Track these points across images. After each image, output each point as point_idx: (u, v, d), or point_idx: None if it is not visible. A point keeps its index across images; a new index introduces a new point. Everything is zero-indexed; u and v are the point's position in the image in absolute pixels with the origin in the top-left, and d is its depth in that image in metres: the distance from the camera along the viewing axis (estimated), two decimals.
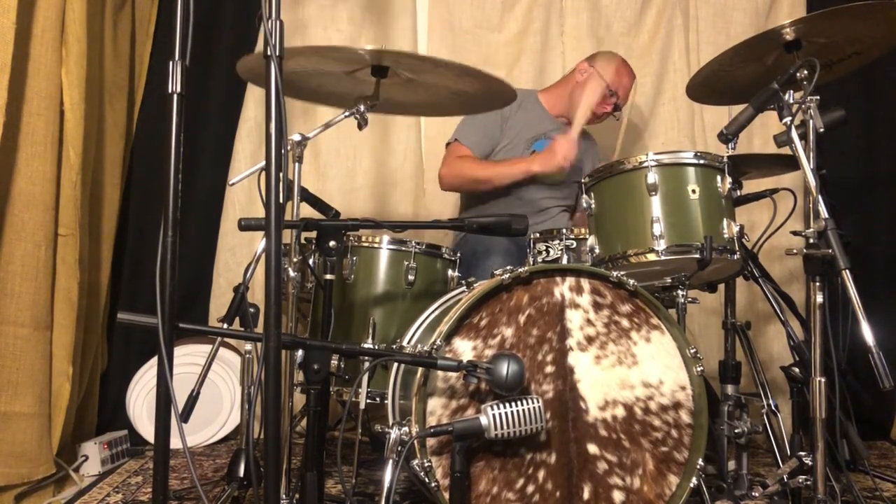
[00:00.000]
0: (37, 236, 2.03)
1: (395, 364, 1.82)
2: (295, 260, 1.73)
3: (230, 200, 3.05)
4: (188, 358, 2.59)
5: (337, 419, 2.72)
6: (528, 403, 1.47)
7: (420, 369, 1.54)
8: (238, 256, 3.04)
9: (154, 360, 2.66)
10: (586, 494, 1.58)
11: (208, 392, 2.57)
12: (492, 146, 2.72)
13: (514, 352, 1.58)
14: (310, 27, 3.16)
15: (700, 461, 1.64)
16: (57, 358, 2.14)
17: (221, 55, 3.02)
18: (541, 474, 1.57)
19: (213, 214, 3.05)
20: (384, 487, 1.47)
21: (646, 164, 1.85)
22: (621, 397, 1.64)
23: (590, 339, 1.65)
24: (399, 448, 1.51)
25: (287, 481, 1.64)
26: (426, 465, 1.52)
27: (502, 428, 1.45)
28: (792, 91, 1.72)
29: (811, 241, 1.59)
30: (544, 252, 2.12)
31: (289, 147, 1.73)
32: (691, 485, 1.64)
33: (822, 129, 1.67)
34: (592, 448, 1.60)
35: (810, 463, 1.62)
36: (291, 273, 1.72)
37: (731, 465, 2.03)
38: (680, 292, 1.92)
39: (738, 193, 1.97)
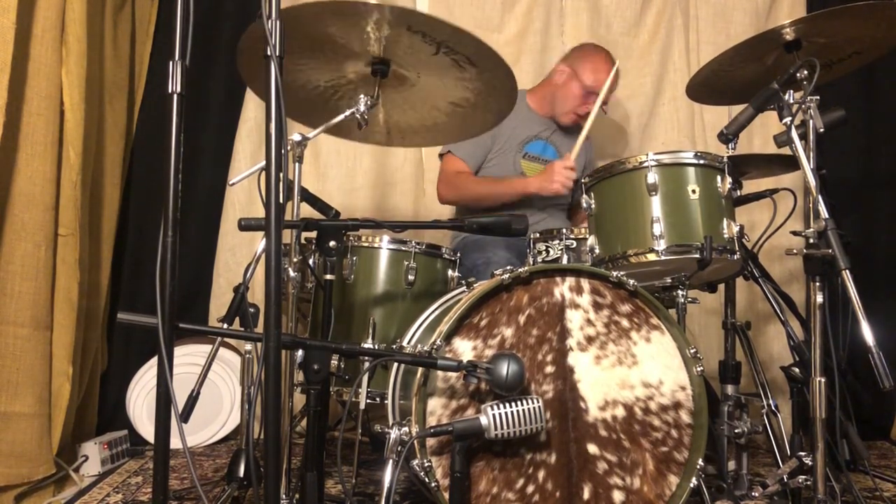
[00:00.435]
0: (37, 236, 2.03)
1: (395, 364, 1.82)
2: (295, 260, 1.73)
3: (230, 200, 3.06)
4: (188, 358, 2.59)
5: (337, 419, 2.72)
6: (528, 403, 1.46)
7: (420, 369, 1.54)
8: (238, 256, 3.05)
9: (154, 360, 2.66)
10: (586, 494, 1.58)
11: (208, 392, 2.58)
12: (484, 154, 2.71)
13: (514, 352, 1.58)
14: None
15: (700, 461, 1.64)
16: (57, 358, 2.14)
17: (221, 55, 3.02)
18: (541, 474, 1.57)
19: (213, 214, 3.05)
20: (384, 487, 1.47)
21: (646, 164, 1.85)
22: (621, 397, 1.64)
23: (590, 339, 1.65)
24: (399, 448, 1.51)
25: (287, 481, 1.64)
26: (426, 465, 1.52)
27: (502, 428, 1.45)
28: (792, 91, 1.72)
29: (811, 241, 1.59)
30: (544, 252, 2.12)
31: (289, 147, 1.73)
32: (691, 485, 1.64)
33: (822, 129, 1.67)
34: (592, 448, 1.60)
35: (810, 463, 1.62)
36: (291, 273, 1.71)
37: (731, 465, 2.03)
38: (680, 292, 1.92)
39: (738, 193, 1.97)
